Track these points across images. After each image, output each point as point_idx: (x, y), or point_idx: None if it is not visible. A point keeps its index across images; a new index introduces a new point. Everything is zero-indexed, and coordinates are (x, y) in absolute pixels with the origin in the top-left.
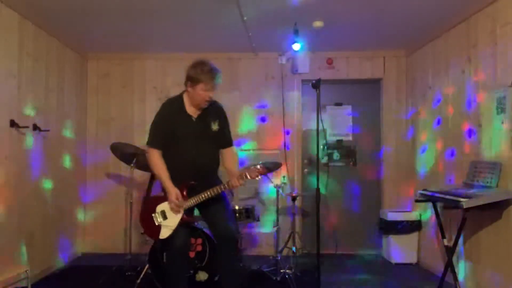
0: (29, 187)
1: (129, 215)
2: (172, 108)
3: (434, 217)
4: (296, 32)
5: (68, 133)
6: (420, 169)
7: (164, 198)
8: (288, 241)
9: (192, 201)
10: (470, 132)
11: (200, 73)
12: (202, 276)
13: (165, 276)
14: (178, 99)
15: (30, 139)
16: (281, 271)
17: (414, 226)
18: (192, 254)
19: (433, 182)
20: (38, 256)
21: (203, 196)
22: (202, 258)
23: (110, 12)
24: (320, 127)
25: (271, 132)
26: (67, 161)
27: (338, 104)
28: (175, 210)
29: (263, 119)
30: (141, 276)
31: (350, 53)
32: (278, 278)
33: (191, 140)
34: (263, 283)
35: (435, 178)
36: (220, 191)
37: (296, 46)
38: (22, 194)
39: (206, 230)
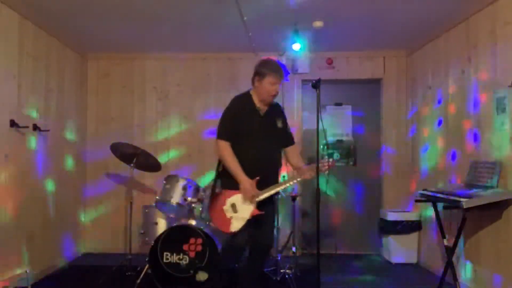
0: (29, 187)
1: (129, 215)
2: (242, 103)
3: (434, 217)
4: (296, 32)
5: (68, 133)
6: (420, 169)
7: (233, 191)
8: (288, 241)
9: (264, 193)
10: (470, 132)
11: (268, 67)
12: (202, 276)
13: (217, 270)
14: (247, 95)
15: (30, 139)
16: (281, 271)
17: (414, 226)
18: (192, 254)
19: (433, 182)
20: (38, 256)
21: (275, 189)
22: (202, 258)
23: (110, 12)
24: (320, 127)
25: None
26: (67, 161)
27: (338, 104)
28: (249, 200)
29: None
30: (141, 276)
31: (350, 53)
32: (278, 278)
33: (259, 136)
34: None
35: (435, 178)
36: (291, 185)
37: (296, 46)
38: (22, 194)
39: (206, 230)
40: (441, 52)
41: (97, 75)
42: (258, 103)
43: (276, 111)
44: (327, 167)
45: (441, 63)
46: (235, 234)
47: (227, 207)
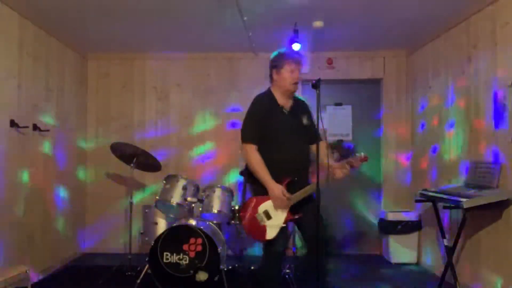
0: (28, 187)
1: (129, 215)
2: (266, 102)
3: (434, 217)
4: (296, 32)
5: (68, 133)
6: (419, 169)
7: (264, 198)
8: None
9: (295, 197)
10: (470, 132)
11: (283, 56)
12: (202, 276)
13: (260, 278)
14: (268, 93)
15: (30, 139)
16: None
17: (414, 226)
18: (192, 254)
19: (433, 182)
20: (38, 256)
21: (306, 191)
22: (202, 258)
23: (110, 12)
24: (320, 127)
25: None
26: (67, 161)
27: (338, 104)
28: (281, 207)
29: None
30: (141, 276)
31: (350, 53)
32: None
33: (287, 134)
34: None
35: (435, 178)
36: (322, 185)
37: (296, 46)
38: (22, 194)
39: (206, 230)
40: (441, 52)
41: (97, 75)
42: (280, 100)
43: (301, 107)
44: (359, 161)
45: (441, 63)
46: (271, 241)
47: (259, 214)
